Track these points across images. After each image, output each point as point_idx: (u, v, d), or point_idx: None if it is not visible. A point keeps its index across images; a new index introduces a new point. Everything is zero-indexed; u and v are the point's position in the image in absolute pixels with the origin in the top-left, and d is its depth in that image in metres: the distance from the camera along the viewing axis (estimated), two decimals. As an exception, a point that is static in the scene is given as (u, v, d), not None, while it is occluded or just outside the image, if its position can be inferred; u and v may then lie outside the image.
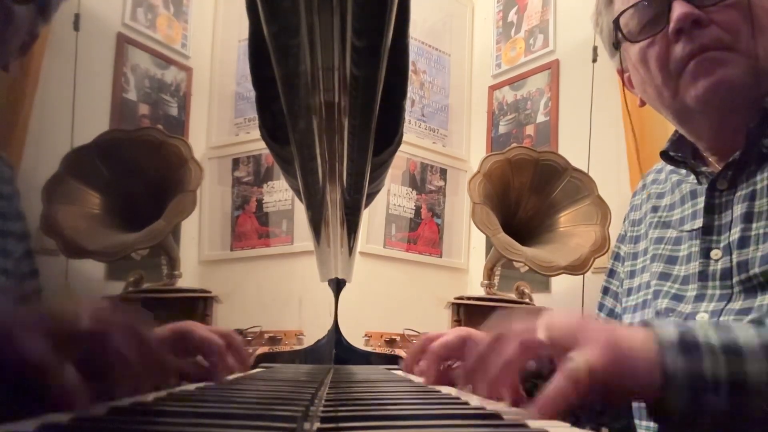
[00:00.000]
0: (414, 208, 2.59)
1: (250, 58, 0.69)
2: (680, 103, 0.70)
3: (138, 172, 1.94)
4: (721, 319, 0.65)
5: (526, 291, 2.11)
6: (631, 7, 0.72)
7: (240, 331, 1.76)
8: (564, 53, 2.45)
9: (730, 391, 0.43)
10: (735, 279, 0.66)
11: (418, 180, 2.62)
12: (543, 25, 2.55)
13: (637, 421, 0.74)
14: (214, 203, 2.55)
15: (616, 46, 0.78)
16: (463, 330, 0.73)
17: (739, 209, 0.67)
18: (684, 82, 0.68)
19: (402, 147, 1.15)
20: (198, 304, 1.91)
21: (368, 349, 1.78)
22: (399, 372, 0.91)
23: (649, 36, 0.71)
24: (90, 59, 2.17)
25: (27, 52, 0.80)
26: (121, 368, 0.43)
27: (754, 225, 0.65)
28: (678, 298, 0.72)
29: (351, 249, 1.10)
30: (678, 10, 0.66)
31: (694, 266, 0.71)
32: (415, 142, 2.60)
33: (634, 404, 0.70)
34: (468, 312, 1.98)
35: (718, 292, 0.67)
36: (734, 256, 0.66)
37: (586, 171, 2.06)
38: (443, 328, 1.29)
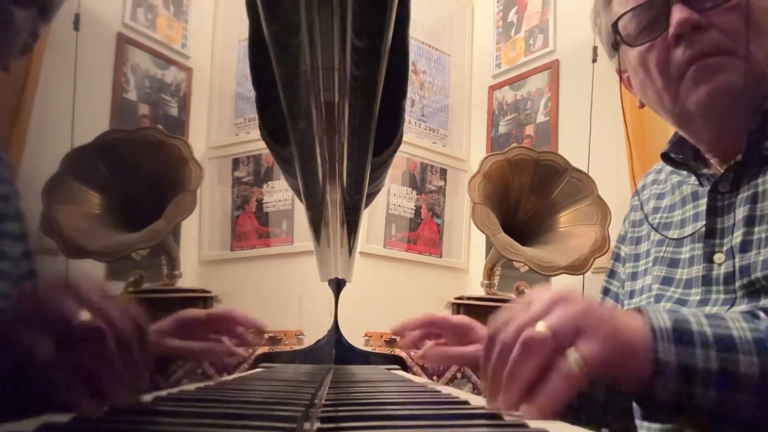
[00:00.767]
0: (414, 208, 2.59)
1: (250, 58, 0.69)
2: (681, 107, 0.70)
3: (138, 172, 1.94)
4: None
5: (526, 291, 2.10)
6: (630, 10, 0.71)
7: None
8: (564, 53, 2.45)
9: (720, 385, 0.43)
10: (738, 283, 0.65)
11: (418, 180, 2.62)
12: (543, 25, 2.55)
13: (637, 422, 0.73)
14: (214, 203, 2.55)
15: (614, 47, 0.77)
16: (467, 318, 0.76)
17: (741, 212, 0.67)
18: (684, 87, 0.68)
19: (402, 147, 1.15)
20: (198, 304, 1.91)
21: (368, 349, 1.78)
22: (399, 372, 0.92)
23: (648, 40, 0.70)
24: (90, 59, 2.17)
25: (27, 53, 0.80)
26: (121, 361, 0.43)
27: (756, 228, 0.65)
28: (681, 302, 0.71)
29: (351, 249, 1.09)
30: (677, 14, 0.66)
31: (697, 270, 0.70)
32: (415, 142, 2.60)
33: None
34: (468, 312, 1.97)
35: (721, 296, 0.66)
36: (737, 260, 0.65)
37: (586, 171, 2.06)
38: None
